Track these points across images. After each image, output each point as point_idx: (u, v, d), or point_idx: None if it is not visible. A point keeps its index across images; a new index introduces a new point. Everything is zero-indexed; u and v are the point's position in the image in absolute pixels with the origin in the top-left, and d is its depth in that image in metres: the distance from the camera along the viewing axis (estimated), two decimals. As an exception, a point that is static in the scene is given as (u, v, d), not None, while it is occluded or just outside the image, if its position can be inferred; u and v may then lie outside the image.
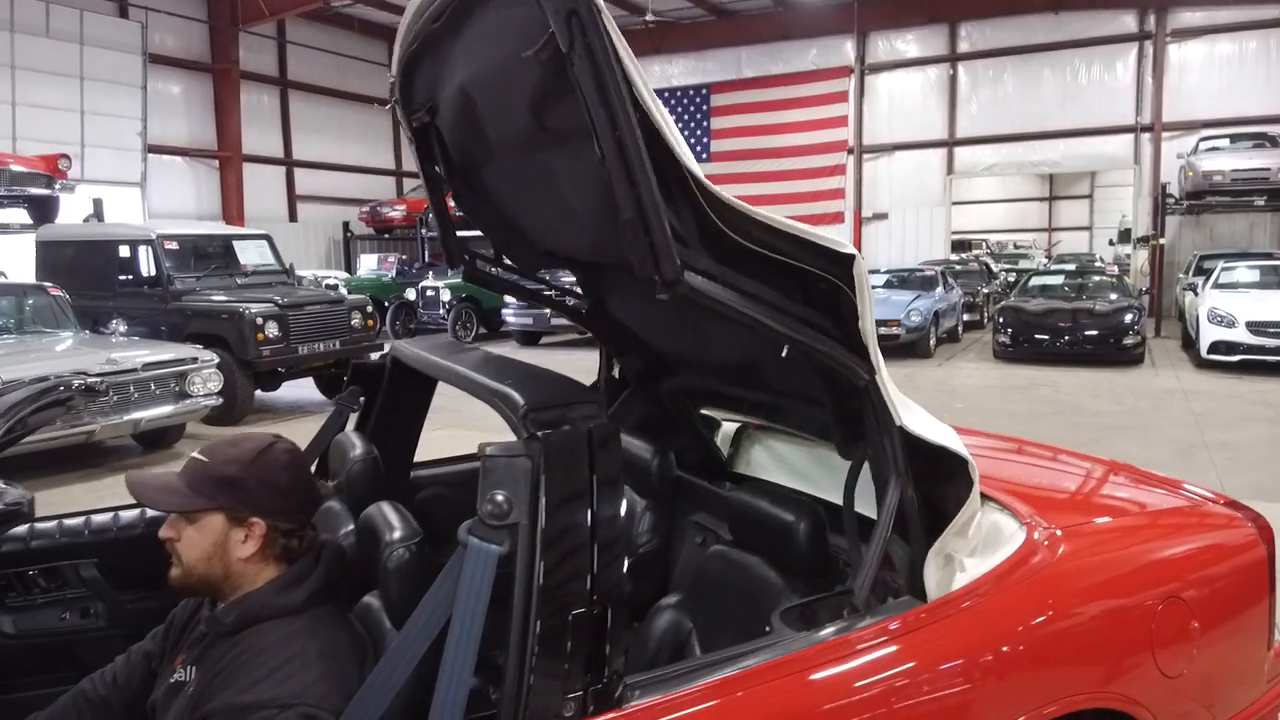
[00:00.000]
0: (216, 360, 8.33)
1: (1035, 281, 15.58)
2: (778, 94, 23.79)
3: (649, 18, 21.60)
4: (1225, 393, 10.32)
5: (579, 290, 2.78)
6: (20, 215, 12.85)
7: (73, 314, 8.77)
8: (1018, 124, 21.41)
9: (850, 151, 23.38)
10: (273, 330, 9.36)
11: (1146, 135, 20.21)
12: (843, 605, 1.77)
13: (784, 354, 1.74)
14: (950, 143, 22.47)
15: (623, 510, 1.54)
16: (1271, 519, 2.32)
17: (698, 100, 24.72)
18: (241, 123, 21.79)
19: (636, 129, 1.39)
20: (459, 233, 2.41)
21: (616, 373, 3.03)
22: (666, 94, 25.00)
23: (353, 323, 10.27)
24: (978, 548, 1.96)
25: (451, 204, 2.42)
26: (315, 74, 23.93)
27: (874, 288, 15.21)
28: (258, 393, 10.07)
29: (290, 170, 23.74)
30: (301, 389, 10.96)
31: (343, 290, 17.84)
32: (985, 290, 18.97)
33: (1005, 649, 1.76)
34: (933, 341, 14.08)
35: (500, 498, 1.46)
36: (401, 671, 1.44)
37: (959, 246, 25.94)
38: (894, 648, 1.69)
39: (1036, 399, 10.24)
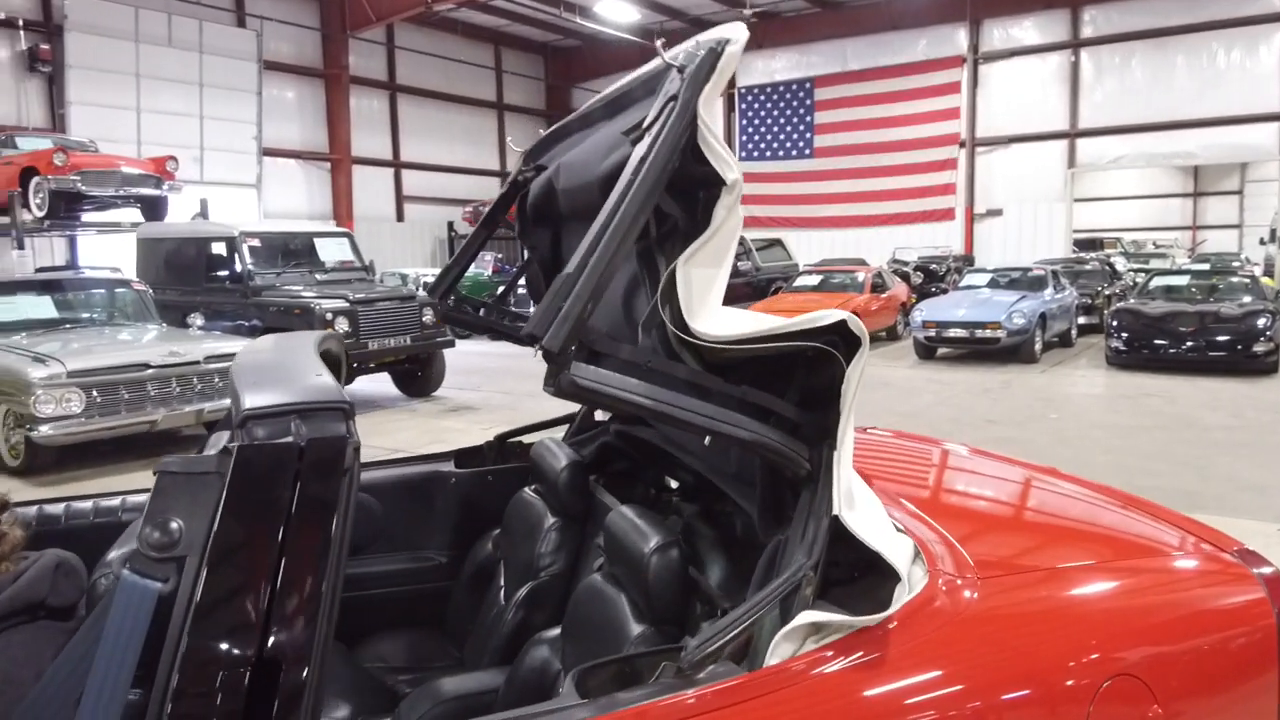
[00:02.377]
0: (281, 354, 8.44)
1: (1158, 282, 14.32)
2: (885, 86, 22.90)
3: (748, 11, 21.11)
4: (1369, 407, 9.16)
5: None
6: (134, 214, 13.60)
7: (154, 307, 9.10)
8: (1148, 113, 19.91)
9: (962, 145, 22.28)
10: (343, 325, 9.47)
11: (1296, 122, 18.43)
12: (660, 667, 1.44)
13: (705, 441, 1.58)
14: (1072, 134, 21.09)
15: (337, 546, 1.25)
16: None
17: (800, 95, 24.07)
18: (351, 126, 22.51)
19: (627, 213, 1.38)
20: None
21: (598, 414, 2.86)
22: (769, 89, 24.46)
23: (424, 319, 10.30)
24: (862, 592, 1.59)
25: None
26: (422, 78, 24.52)
27: (976, 288, 14.50)
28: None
29: (398, 172, 24.39)
30: (377, 383, 11.09)
31: (437, 288, 18.21)
32: (1107, 292, 17.65)
33: None
34: (1038, 346, 13.12)
35: (173, 525, 1.21)
36: None
37: (1088, 245, 24.32)
38: None
39: (1144, 410, 9.34)
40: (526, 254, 2.59)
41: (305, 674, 1.18)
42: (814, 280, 16.25)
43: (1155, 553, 1.95)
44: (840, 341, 1.55)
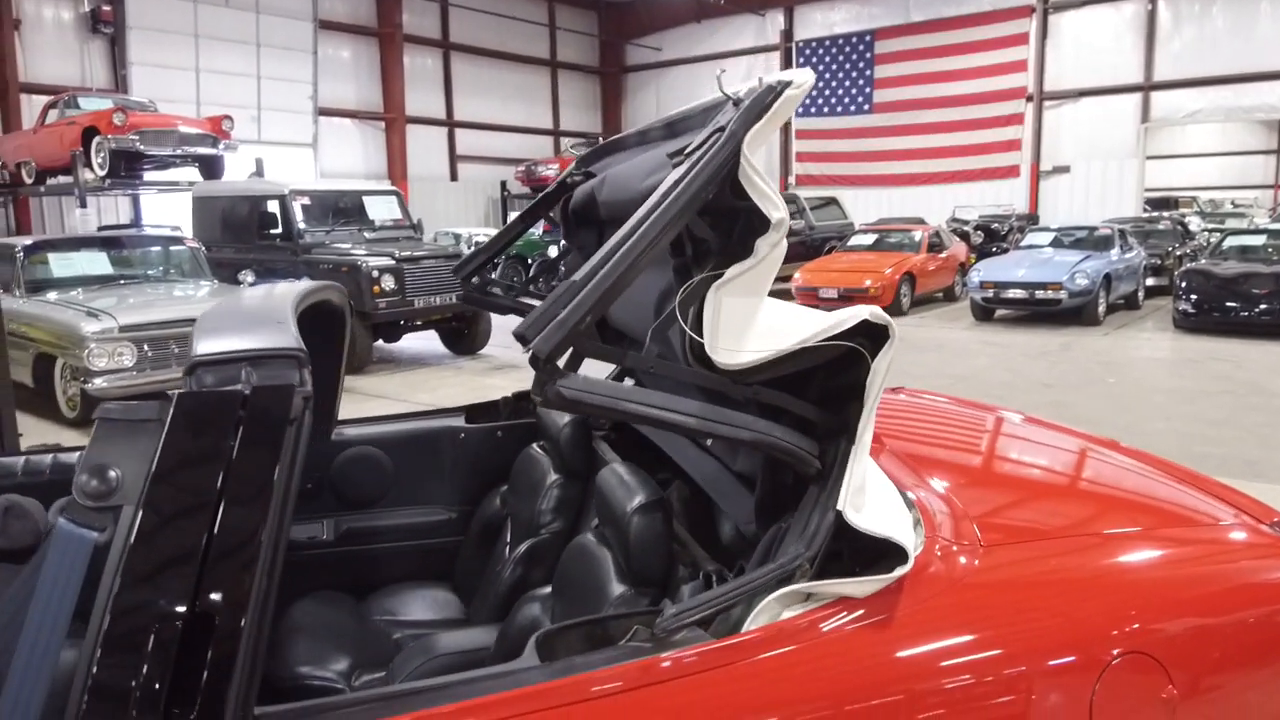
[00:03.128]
0: (327, 311, 8.52)
1: (1232, 242, 13.65)
2: (949, 39, 22.11)
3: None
4: None
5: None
6: (193, 174, 13.85)
7: (206, 264, 9.26)
8: (1228, 65, 18.90)
9: (1029, 99, 21.46)
10: (389, 283, 9.53)
11: (1392, 73, 17.32)
12: (631, 631, 1.37)
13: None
14: (1146, 87, 20.15)
15: (282, 500, 1.20)
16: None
17: (860, 48, 23.38)
18: (405, 85, 22.54)
19: (647, 233, 1.33)
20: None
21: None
22: (827, 42, 23.83)
23: (469, 277, 10.29)
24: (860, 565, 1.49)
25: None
26: (475, 35, 24.41)
27: (1038, 247, 14.01)
28: (380, 343, 10.35)
29: (451, 131, 24.41)
30: (424, 341, 11.18)
31: (489, 247, 18.26)
32: (1178, 252, 16.92)
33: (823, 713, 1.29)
34: (1102, 308, 12.65)
35: (111, 473, 1.17)
36: None
37: (1161, 205, 23.32)
38: (647, 693, 1.26)
39: (1209, 376, 8.95)
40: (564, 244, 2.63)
41: (242, 625, 1.14)
42: (869, 239, 15.89)
43: (1184, 522, 1.81)
44: (866, 339, 1.45)
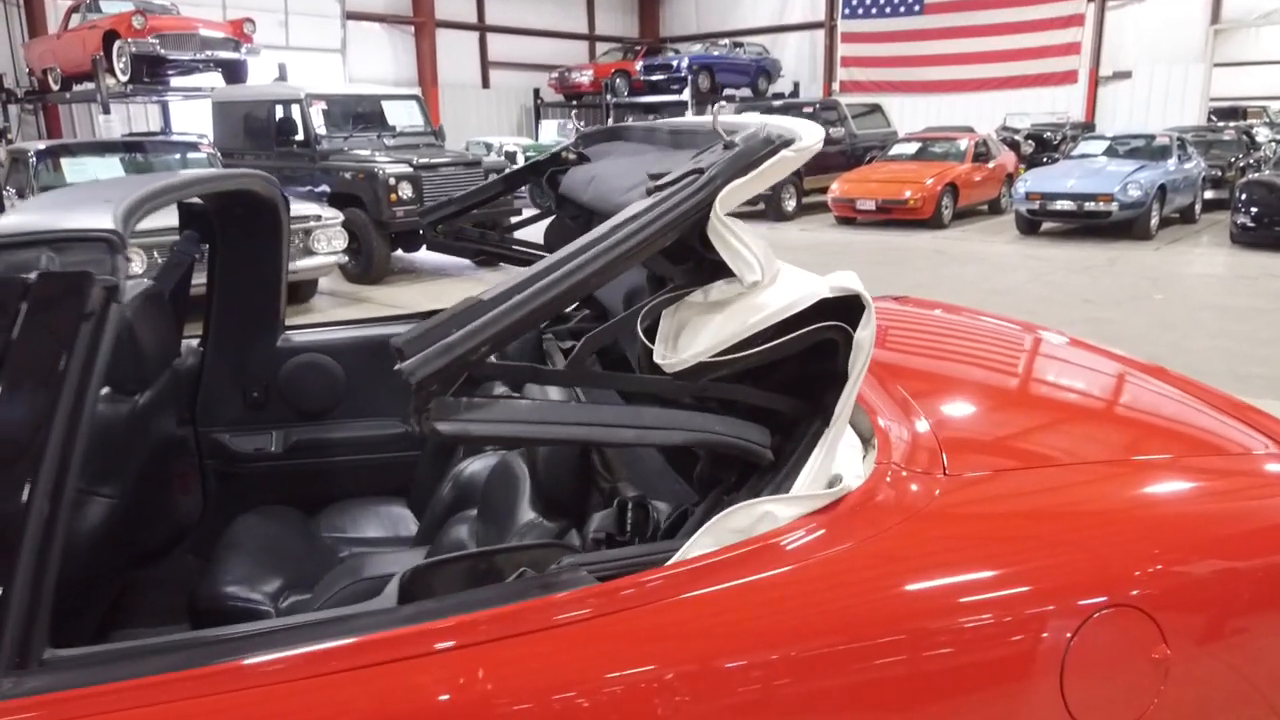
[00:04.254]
0: (341, 219, 8.36)
1: (1300, 152, 12.84)
2: (1007, -67, 20.76)
3: None
4: None
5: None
6: (216, 79, 13.59)
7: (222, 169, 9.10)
8: (1311, -42, 17.52)
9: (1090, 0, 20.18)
10: (406, 191, 9.30)
11: None
12: (518, 572, 1.17)
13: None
14: (1218, -15, 18.83)
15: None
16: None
17: (910, -56, 22.10)
18: (435, -14, 21.87)
19: (579, 269, 1.12)
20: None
21: None
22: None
23: (489, 186, 10.01)
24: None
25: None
26: (508, -66, 23.49)
27: (1090, 156, 13.29)
28: (399, 253, 10.18)
29: (483, 36, 23.72)
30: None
31: (519, 156, 17.89)
32: (1240, 164, 15.98)
33: (712, 665, 1.08)
34: (1154, 221, 12.01)
35: None
36: None
37: (1228, 115, 22.02)
38: (503, 645, 1.05)
39: (1264, 293, 8.44)
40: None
41: (18, 546, 0.96)
42: (911, 149, 15.22)
43: (1205, 450, 1.54)
44: (840, 315, 1.24)
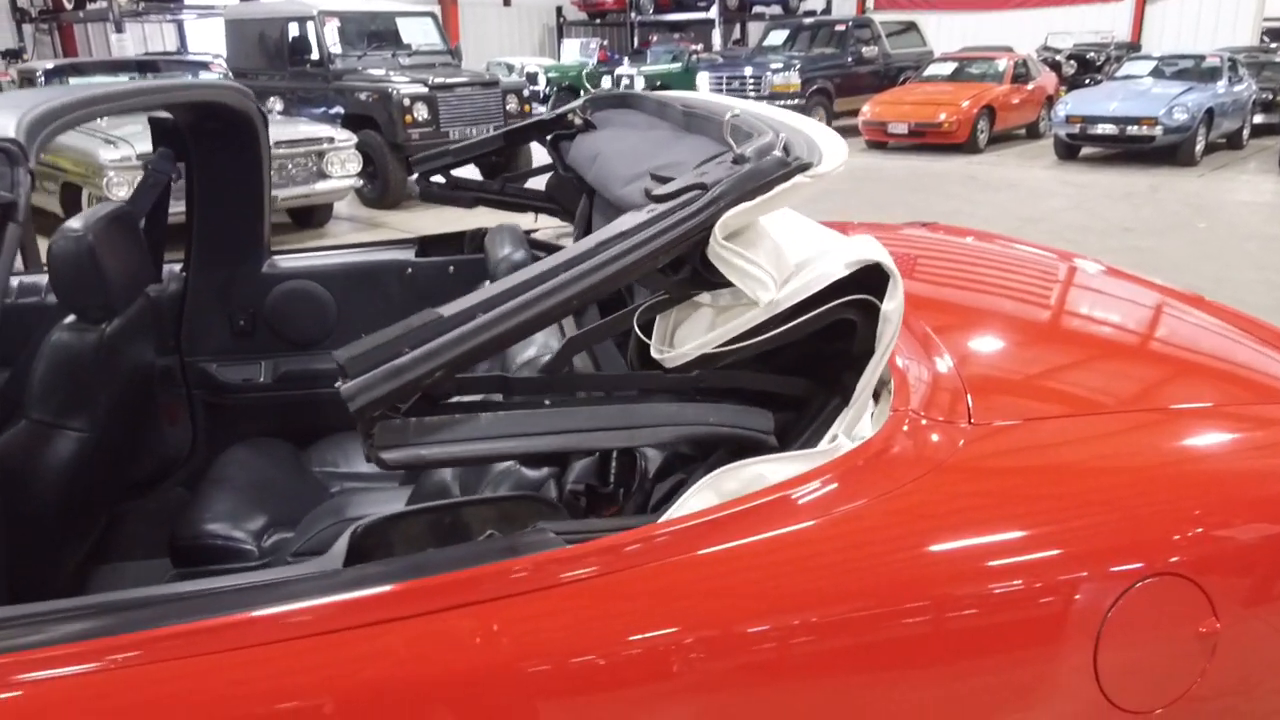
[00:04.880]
0: (354, 141, 8.16)
1: (1359, 73, 12.18)
2: None
3: None
4: None
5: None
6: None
7: (234, 92, 8.90)
8: None
9: (1142, -91, 19.12)
10: (421, 113, 9.05)
11: None
12: (486, 534, 1.05)
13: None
14: (1281, -108, 17.73)
15: None
16: None
17: None
18: (457, -104, 21.10)
19: (562, 290, 1.00)
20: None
21: None
22: None
23: (507, 107, 9.75)
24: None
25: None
26: None
27: (1135, 78, 12.70)
28: (415, 177, 9.95)
29: (505, -50, 22.99)
30: (462, 175, 10.74)
31: (541, 77, 17.46)
32: (1294, 86, 15.24)
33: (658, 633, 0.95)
34: (1199, 146, 11.49)
35: None
36: None
37: (1282, 35, 21.01)
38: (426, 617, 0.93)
39: (1315, 221, 8.07)
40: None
41: None
42: (947, 69, 14.62)
43: (1265, 395, 1.37)
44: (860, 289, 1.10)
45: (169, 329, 2.41)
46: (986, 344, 1.55)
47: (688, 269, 1.08)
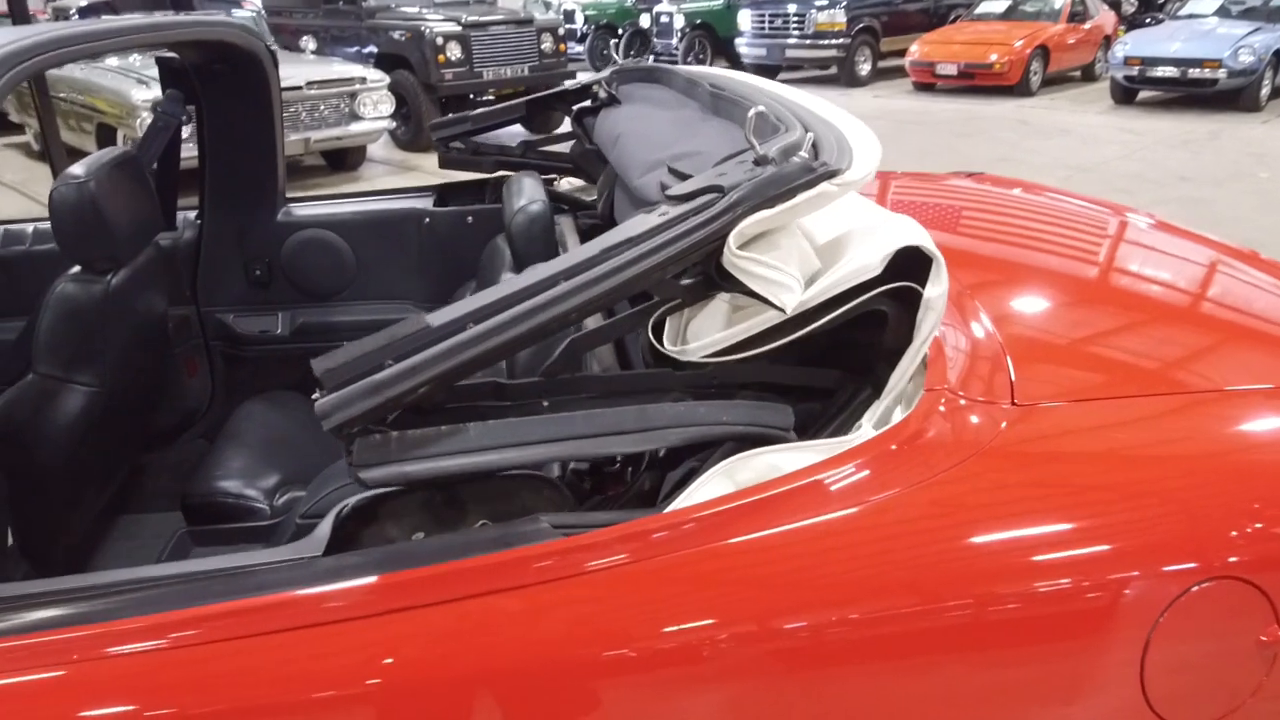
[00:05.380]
0: (387, 81, 8.04)
1: None
2: None
3: None
4: None
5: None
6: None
7: (268, 30, 8.82)
8: None
9: None
10: (454, 52, 8.88)
11: None
12: (479, 523, 0.98)
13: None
14: None
15: None
16: None
17: None
18: None
19: (566, 298, 0.92)
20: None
21: None
22: None
23: (543, 46, 9.54)
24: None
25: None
26: None
27: (1200, 16, 12.10)
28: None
29: (544, -118, 22.34)
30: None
31: (578, 15, 17.07)
32: (1371, 25, 14.42)
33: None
34: (1265, 90, 10.94)
35: None
36: None
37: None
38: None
39: (1387, 171, 7.67)
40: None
41: None
42: (1000, 6, 14.03)
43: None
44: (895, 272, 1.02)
45: (185, 278, 2.36)
46: (1030, 310, 1.44)
47: (701, 275, 0.99)
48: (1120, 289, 1.63)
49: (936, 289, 0.97)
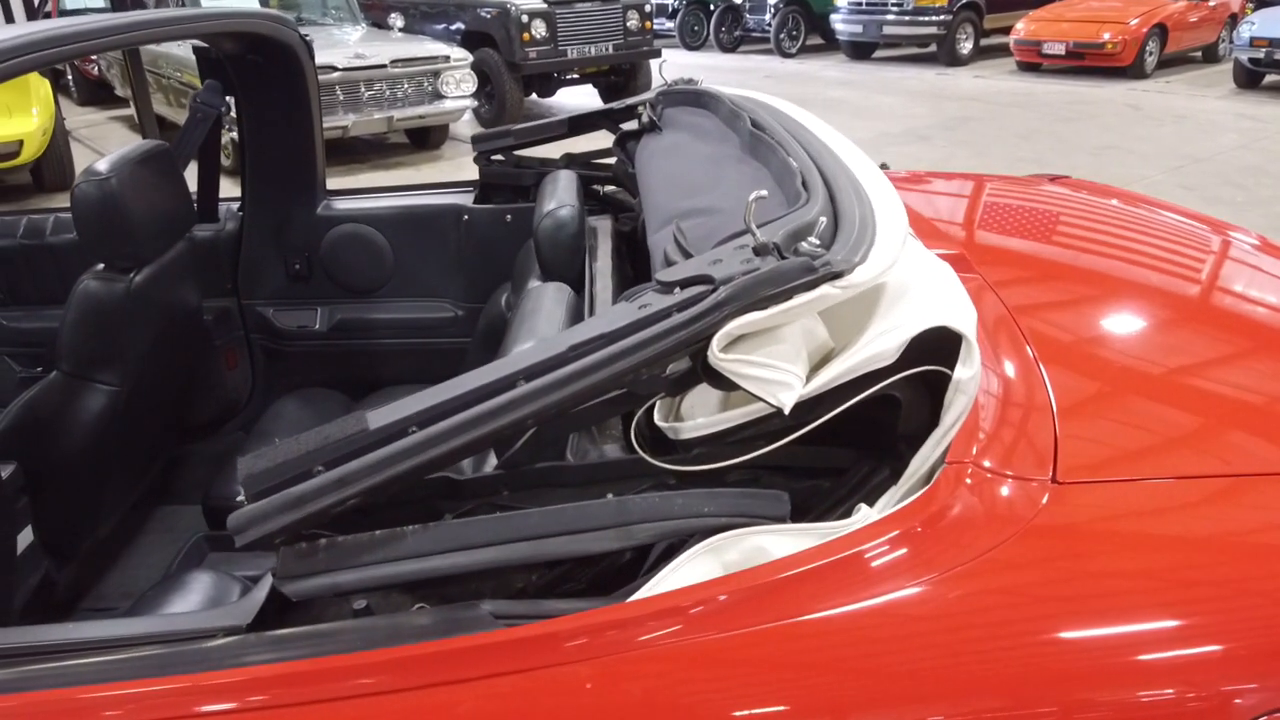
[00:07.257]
0: (470, 60, 8.04)
1: None
2: None
3: None
4: None
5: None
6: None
7: (358, 8, 8.90)
8: None
9: None
10: (540, 30, 8.82)
11: None
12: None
13: None
14: None
15: None
16: None
17: None
18: None
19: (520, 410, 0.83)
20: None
21: None
22: None
23: (628, 24, 9.40)
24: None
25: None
26: None
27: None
28: (533, 98, 9.80)
29: None
30: (581, 96, 10.51)
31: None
32: None
33: None
34: None
35: None
36: None
37: None
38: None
39: None
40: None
41: None
42: (1114, -18, 13.25)
43: None
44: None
45: (226, 270, 2.34)
46: (1094, 356, 1.26)
47: (687, 368, 0.88)
48: (1209, 336, 1.42)
49: (968, 371, 0.85)
